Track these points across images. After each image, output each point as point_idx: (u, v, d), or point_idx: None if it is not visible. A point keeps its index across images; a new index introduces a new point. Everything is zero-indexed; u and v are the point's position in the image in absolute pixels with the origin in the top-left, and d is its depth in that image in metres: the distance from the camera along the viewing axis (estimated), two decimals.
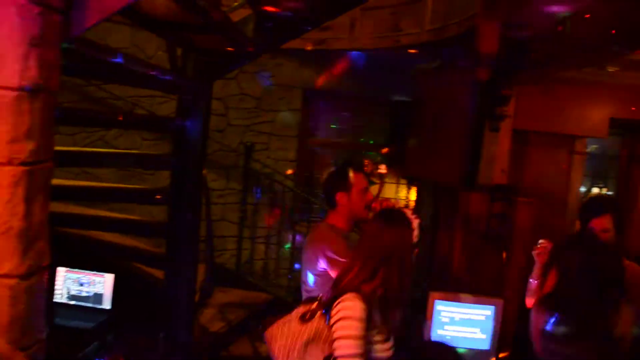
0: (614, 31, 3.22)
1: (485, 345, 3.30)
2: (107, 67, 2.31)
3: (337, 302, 2.09)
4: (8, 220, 1.50)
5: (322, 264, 2.74)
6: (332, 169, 3.06)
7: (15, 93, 1.45)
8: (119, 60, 2.11)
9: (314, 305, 2.18)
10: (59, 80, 1.57)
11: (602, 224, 2.92)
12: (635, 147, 6.30)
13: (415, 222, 2.22)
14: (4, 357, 1.53)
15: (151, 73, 2.76)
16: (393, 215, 2.30)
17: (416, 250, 2.26)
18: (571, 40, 3.57)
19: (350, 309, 2.06)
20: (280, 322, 2.21)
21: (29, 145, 1.50)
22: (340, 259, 2.61)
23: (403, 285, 2.16)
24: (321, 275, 2.75)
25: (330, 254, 2.71)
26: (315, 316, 2.13)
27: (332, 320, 2.07)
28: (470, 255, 5.04)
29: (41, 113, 1.52)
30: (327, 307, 2.13)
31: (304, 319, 2.14)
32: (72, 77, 3.94)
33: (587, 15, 3.09)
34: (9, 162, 1.48)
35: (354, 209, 2.92)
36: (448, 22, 4.38)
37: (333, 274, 2.60)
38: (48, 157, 1.60)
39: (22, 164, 1.50)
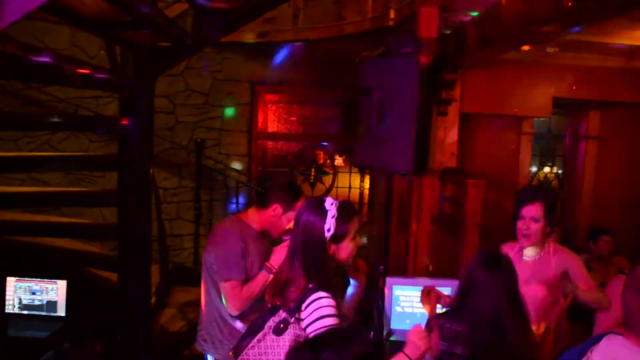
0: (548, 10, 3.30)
1: None
2: (39, 68, 2.24)
3: (306, 303, 2.03)
4: None
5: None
6: (289, 176, 3.05)
7: None
8: (46, 59, 2.04)
9: (282, 313, 2.06)
10: None
11: (532, 211, 2.97)
12: (579, 125, 6.50)
13: (330, 215, 2.10)
14: None
15: (88, 72, 2.70)
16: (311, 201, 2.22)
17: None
18: (506, 21, 3.67)
19: (324, 307, 2.01)
20: (253, 341, 2.06)
21: None
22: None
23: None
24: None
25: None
26: (289, 324, 2.02)
27: (308, 322, 2.01)
28: (425, 239, 5.13)
29: None
30: (296, 311, 2.04)
31: (279, 330, 2.03)
32: (3, 79, 3.82)
33: None
34: None
35: (276, 226, 2.90)
36: (389, 9, 4.43)
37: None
38: None
39: None
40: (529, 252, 3.09)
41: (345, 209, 2.13)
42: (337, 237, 2.11)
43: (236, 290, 2.73)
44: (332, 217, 2.08)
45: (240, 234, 2.80)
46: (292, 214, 2.75)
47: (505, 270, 2.27)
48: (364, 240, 2.15)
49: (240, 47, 5.47)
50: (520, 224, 3.03)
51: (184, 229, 5.81)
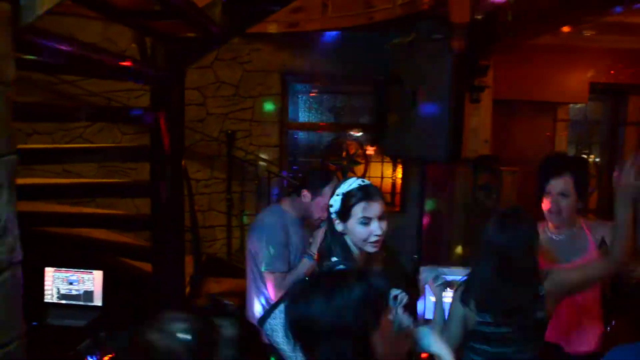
0: None
1: None
2: (70, 59, 2.26)
3: None
4: None
5: None
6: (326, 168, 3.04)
7: None
8: (75, 49, 2.06)
9: None
10: (13, 72, 1.53)
11: (560, 186, 2.56)
12: (617, 111, 6.31)
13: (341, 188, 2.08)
14: None
15: (119, 63, 2.72)
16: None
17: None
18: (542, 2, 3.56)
19: None
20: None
21: None
22: None
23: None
24: None
25: None
26: None
27: None
28: (459, 228, 5.06)
29: None
30: None
31: None
32: (35, 71, 3.87)
33: None
34: None
35: (309, 212, 2.87)
36: None
37: None
38: (9, 150, 1.57)
39: None
40: (560, 231, 2.68)
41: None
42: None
43: (280, 280, 2.77)
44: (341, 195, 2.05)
45: (282, 223, 2.84)
46: (321, 200, 2.73)
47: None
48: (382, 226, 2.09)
49: (269, 37, 5.45)
50: (547, 201, 2.62)
51: (216, 220, 5.84)
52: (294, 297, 1.48)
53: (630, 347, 1.68)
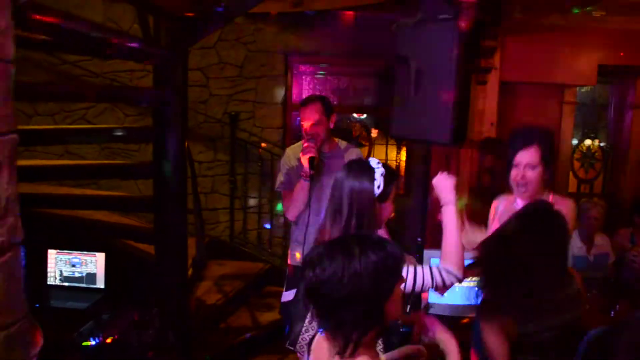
0: None
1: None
2: (72, 37, 2.21)
3: None
4: None
5: None
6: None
7: None
8: (75, 26, 2.01)
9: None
10: (13, 48, 1.48)
11: (527, 157, 2.59)
12: (625, 94, 6.23)
13: (378, 172, 2.11)
14: None
15: (122, 42, 2.67)
16: (356, 165, 2.21)
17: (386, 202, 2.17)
18: None
19: None
20: (305, 325, 2.13)
21: None
22: None
23: None
24: None
25: None
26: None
27: None
28: (463, 211, 5.02)
29: None
30: None
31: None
32: (35, 50, 3.82)
33: None
34: None
35: None
36: None
37: None
38: (9, 129, 1.53)
39: None
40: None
41: (389, 170, 2.17)
42: (383, 196, 2.11)
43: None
44: (382, 175, 2.09)
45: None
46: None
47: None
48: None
49: (273, 17, 5.38)
50: (514, 173, 2.64)
51: (219, 202, 5.82)
52: (311, 262, 1.46)
53: (603, 329, 1.73)
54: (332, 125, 3.37)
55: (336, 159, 3.32)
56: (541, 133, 2.75)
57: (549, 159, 2.65)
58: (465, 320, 3.23)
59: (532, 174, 2.61)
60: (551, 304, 2.10)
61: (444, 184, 2.19)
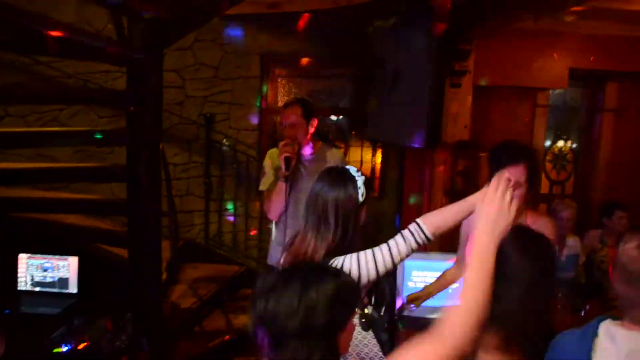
0: None
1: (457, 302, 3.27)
2: (42, 39, 2.17)
3: None
4: None
5: None
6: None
7: None
8: (55, 31, 1.98)
9: None
10: None
11: (515, 175, 2.46)
12: (596, 97, 6.35)
13: (361, 181, 2.13)
14: None
15: (96, 44, 2.64)
16: (336, 173, 2.20)
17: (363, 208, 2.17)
18: None
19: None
20: None
21: None
22: None
23: (352, 244, 2.10)
24: None
25: None
26: None
27: None
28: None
29: None
30: None
31: None
32: (9, 52, 3.75)
33: None
34: None
35: None
36: None
37: None
38: None
39: None
40: None
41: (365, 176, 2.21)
42: (362, 204, 2.14)
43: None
44: (364, 183, 2.12)
45: None
46: None
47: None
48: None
49: (250, 18, 5.36)
50: None
51: (194, 205, 5.78)
52: (263, 291, 1.40)
53: (574, 332, 1.72)
54: (312, 130, 3.37)
55: (318, 163, 3.33)
56: (528, 151, 2.74)
57: (533, 179, 2.63)
58: None
59: (517, 193, 2.42)
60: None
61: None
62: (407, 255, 2.00)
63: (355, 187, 2.10)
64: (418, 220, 2.01)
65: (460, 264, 2.98)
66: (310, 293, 1.35)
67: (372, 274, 1.97)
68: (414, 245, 1.99)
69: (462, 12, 4.42)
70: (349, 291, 1.44)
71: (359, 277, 1.97)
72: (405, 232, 1.99)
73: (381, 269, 1.98)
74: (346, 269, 1.98)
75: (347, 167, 2.21)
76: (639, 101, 6.10)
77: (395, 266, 2.01)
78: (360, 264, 1.97)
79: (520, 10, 4.04)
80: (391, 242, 2.00)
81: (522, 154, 2.64)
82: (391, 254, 1.98)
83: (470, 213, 1.94)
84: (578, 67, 5.69)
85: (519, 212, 2.56)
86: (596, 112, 6.31)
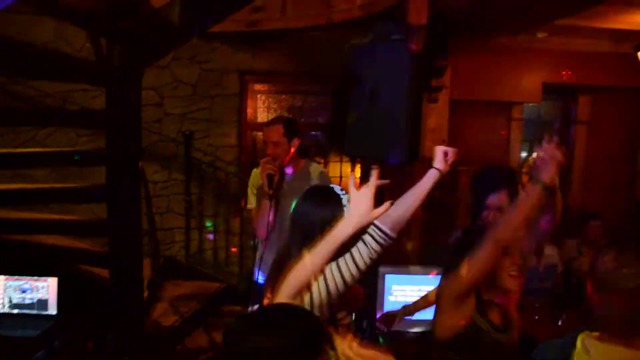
0: None
1: None
2: (24, 62, 2.18)
3: None
4: None
5: None
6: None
7: None
8: (32, 53, 1.98)
9: None
10: None
11: (497, 200, 2.65)
12: (568, 111, 6.51)
13: (345, 199, 2.15)
14: None
15: (74, 66, 2.65)
16: (321, 193, 2.25)
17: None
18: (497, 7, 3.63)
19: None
20: None
21: None
22: None
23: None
24: None
25: None
26: None
27: None
28: (417, 227, 5.12)
29: None
30: None
31: None
32: None
33: None
34: None
35: None
36: None
37: None
38: None
39: None
40: None
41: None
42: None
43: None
44: (348, 201, 2.11)
45: None
46: None
47: None
48: None
49: (228, 37, 5.40)
50: (485, 215, 2.70)
51: (175, 222, 5.76)
52: (230, 336, 1.42)
53: (555, 343, 1.76)
54: (293, 149, 3.38)
55: (301, 181, 3.34)
56: (508, 176, 2.83)
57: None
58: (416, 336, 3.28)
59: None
60: None
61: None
62: (372, 258, 2.01)
63: (340, 206, 2.13)
64: (375, 222, 2.03)
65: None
66: (277, 337, 1.36)
67: (341, 285, 1.98)
68: (376, 245, 2.01)
69: (438, 30, 4.52)
70: (316, 333, 1.44)
71: (328, 290, 1.99)
72: (365, 236, 2.02)
73: (348, 278, 2.00)
74: (314, 285, 2.01)
75: (332, 186, 2.24)
76: (610, 113, 6.27)
77: (362, 271, 2.03)
78: (327, 278, 2.00)
79: (491, 30, 4.14)
80: (353, 249, 2.03)
81: (502, 180, 2.74)
82: (354, 260, 1.99)
83: (423, 200, 2.11)
84: (551, 81, 5.84)
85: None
86: (569, 124, 6.46)
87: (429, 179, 2.16)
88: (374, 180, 2.01)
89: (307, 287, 1.93)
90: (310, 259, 1.91)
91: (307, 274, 1.90)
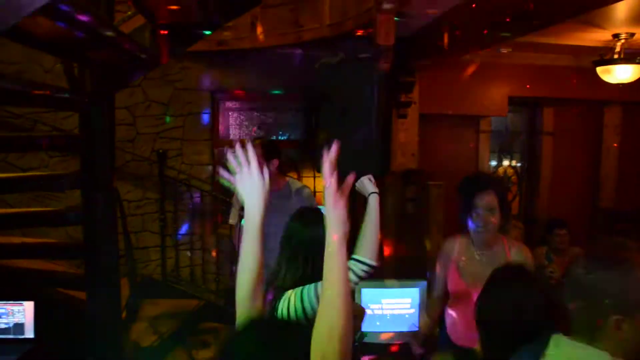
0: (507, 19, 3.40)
1: (414, 327, 3.33)
2: None
3: None
4: None
5: None
6: None
7: None
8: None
9: None
10: None
11: (486, 200, 2.64)
12: (534, 122, 6.69)
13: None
14: None
15: (44, 93, 2.68)
16: (309, 215, 2.34)
17: None
18: (461, 27, 3.76)
19: None
20: None
21: None
22: None
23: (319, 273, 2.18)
24: None
25: None
26: None
27: None
28: (390, 240, 5.21)
29: None
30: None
31: None
32: None
33: (474, 5, 3.26)
34: None
35: None
36: (346, 17, 4.49)
37: None
38: None
39: None
40: (483, 248, 2.77)
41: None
42: None
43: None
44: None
45: None
46: None
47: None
48: None
49: (199, 55, 5.45)
50: (475, 216, 2.68)
51: (150, 241, 5.77)
52: (225, 346, 1.48)
53: (529, 350, 1.82)
54: (271, 169, 3.42)
55: (283, 200, 3.40)
56: (494, 180, 2.94)
57: (504, 206, 2.72)
58: (394, 348, 3.35)
59: (493, 219, 2.66)
60: None
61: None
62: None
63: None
64: (353, 256, 2.15)
65: (434, 301, 3.12)
66: (278, 353, 1.40)
67: (316, 307, 2.05)
68: (356, 278, 2.14)
69: (405, 48, 4.65)
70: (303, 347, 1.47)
71: (304, 311, 2.07)
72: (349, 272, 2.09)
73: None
74: (291, 303, 2.11)
75: (319, 207, 2.34)
76: (573, 124, 6.47)
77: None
78: (304, 299, 2.08)
79: (455, 49, 4.27)
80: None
81: (490, 182, 2.79)
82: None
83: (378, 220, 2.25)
84: (516, 94, 6.01)
85: (495, 239, 2.74)
86: (535, 135, 6.65)
87: (376, 204, 2.32)
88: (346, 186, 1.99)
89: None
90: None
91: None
